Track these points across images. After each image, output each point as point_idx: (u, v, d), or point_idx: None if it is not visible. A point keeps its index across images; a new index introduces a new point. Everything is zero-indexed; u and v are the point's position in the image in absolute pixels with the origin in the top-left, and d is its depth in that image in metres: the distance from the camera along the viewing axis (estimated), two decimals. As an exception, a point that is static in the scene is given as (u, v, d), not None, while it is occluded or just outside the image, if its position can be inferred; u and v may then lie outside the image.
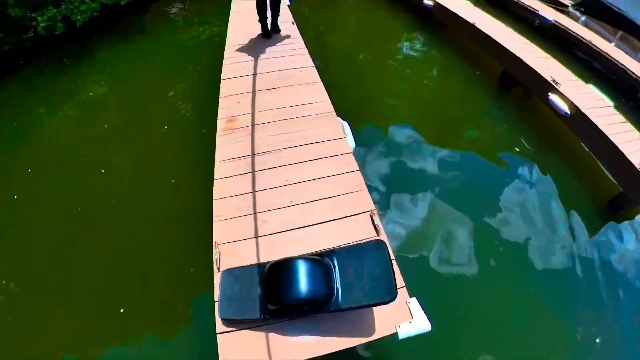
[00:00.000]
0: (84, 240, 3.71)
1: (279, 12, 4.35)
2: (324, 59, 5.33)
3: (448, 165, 3.92)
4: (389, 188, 3.61)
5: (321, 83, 3.44)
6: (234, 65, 3.93)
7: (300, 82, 3.51)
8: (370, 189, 3.41)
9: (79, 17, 6.84)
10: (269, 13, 4.32)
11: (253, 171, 2.72)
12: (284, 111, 3.19)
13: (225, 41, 4.58)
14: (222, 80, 3.72)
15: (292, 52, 4.01)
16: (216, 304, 2.13)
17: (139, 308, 3.11)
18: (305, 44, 4.36)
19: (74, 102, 6.24)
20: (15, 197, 4.81)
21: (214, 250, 2.39)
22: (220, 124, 3.19)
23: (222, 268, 2.27)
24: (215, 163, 2.85)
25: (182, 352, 2.74)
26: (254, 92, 3.47)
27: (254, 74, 3.72)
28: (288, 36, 4.36)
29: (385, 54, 5.88)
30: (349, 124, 3.09)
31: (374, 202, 2.48)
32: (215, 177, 2.73)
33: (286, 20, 4.67)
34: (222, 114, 3.30)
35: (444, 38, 6.16)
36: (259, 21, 4.34)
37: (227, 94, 3.52)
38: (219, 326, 2.00)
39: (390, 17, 6.92)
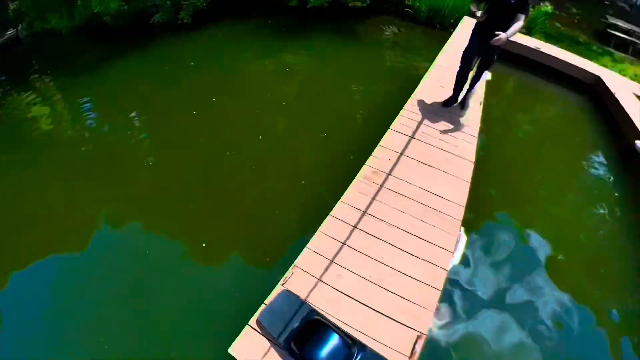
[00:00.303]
0: (216, 176, 4.63)
1: (475, 85, 4.30)
2: (495, 140, 5.09)
3: (556, 319, 3.38)
4: (472, 303, 3.37)
5: (468, 185, 3.39)
6: (406, 120, 4.13)
7: (450, 171, 3.53)
8: (453, 293, 3.27)
9: (312, 1, 7.96)
10: (467, 85, 4.32)
11: (359, 228, 2.95)
12: (418, 192, 3.29)
13: (415, 87, 4.79)
14: (389, 129, 3.98)
15: (461, 136, 3.99)
16: (263, 305, 2.54)
17: (216, 253, 3.78)
18: (482, 129, 4.27)
19: (274, 63, 7.39)
20: (195, 112, 6.07)
21: (290, 269, 2.73)
22: (364, 170, 3.48)
23: (287, 287, 2.60)
24: (340, 201, 3.18)
25: (218, 309, 3.25)
26: (406, 156, 3.63)
27: (416, 139, 3.86)
28: (468, 118, 4.30)
29: (561, 168, 5.25)
30: (466, 239, 3.03)
31: (447, 315, 2.47)
32: (331, 213, 3.07)
33: (475, 99, 4.59)
34: (372, 161, 3.58)
35: (638, 191, 5.20)
36: (453, 88, 4.38)
37: (386, 145, 3.78)
38: (252, 322, 2.43)
39: (590, 137, 6.10)
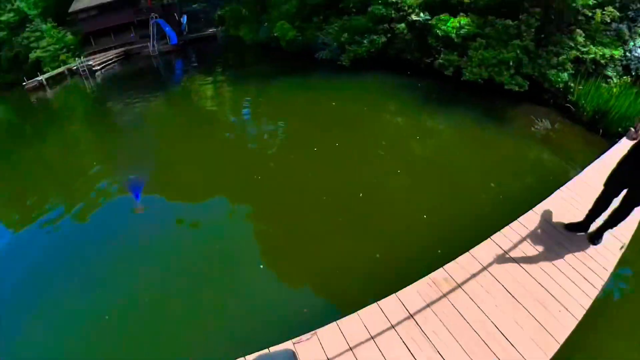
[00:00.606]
0: (304, 215, 4.96)
1: (619, 224, 3.37)
2: (633, 279, 3.90)
3: None
4: None
5: (557, 347, 2.59)
6: (514, 233, 3.52)
7: (541, 319, 2.78)
8: None
9: (468, 75, 7.74)
10: (606, 213, 3.41)
11: (397, 330, 2.62)
12: (486, 326, 2.70)
13: (547, 195, 4.08)
14: (489, 238, 3.45)
15: (578, 280, 3.12)
16: (266, 350, 2.51)
17: (271, 279, 4.04)
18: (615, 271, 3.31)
19: (409, 125, 7.59)
20: (316, 149, 6.56)
21: (310, 333, 2.63)
22: (438, 272, 3.08)
23: (296, 347, 2.51)
24: (394, 293, 2.89)
25: (235, 324, 3.48)
26: (492, 275, 3.06)
27: (514, 260, 3.22)
28: (597, 260, 3.34)
29: None
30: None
31: None
32: (379, 301, 2.82)
33: (617, 236, 3.57)
34: (450, 266, 3.14)
35: None
36: (587, 213, 3.54)
37: (476, 254, 3.27)
38: (250, 357, 2.47)
39: None
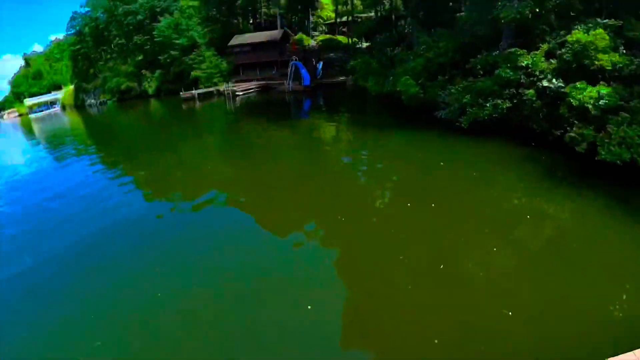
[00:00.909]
0: (375, 272, 4.86)
1: None
2: None
3: None
4: None
5: None
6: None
7: None
8: None
9: (605, 154, 6.82)
10: None
11: None
12: None
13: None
14: None
15: None
16: None
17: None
18: None
19: (522, 202, 6.88)
20: (409, 204, 6.48)
21: None
22: None
23: None
24: None
25: None
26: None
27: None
28: None
29: None
30: None
31: None
32: None
33: None
34: None
35: None
36: None
37: None
38: None
39: None
